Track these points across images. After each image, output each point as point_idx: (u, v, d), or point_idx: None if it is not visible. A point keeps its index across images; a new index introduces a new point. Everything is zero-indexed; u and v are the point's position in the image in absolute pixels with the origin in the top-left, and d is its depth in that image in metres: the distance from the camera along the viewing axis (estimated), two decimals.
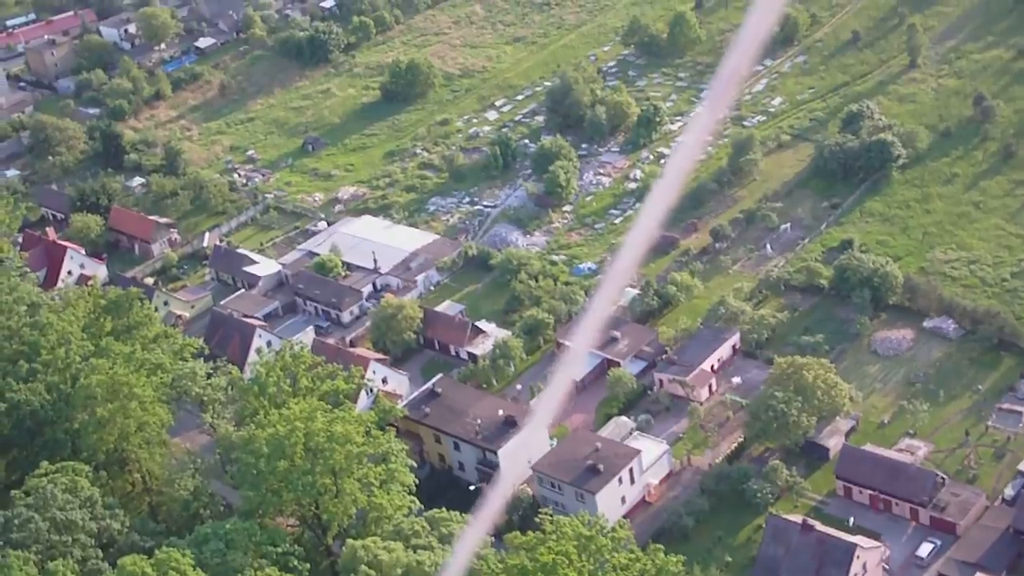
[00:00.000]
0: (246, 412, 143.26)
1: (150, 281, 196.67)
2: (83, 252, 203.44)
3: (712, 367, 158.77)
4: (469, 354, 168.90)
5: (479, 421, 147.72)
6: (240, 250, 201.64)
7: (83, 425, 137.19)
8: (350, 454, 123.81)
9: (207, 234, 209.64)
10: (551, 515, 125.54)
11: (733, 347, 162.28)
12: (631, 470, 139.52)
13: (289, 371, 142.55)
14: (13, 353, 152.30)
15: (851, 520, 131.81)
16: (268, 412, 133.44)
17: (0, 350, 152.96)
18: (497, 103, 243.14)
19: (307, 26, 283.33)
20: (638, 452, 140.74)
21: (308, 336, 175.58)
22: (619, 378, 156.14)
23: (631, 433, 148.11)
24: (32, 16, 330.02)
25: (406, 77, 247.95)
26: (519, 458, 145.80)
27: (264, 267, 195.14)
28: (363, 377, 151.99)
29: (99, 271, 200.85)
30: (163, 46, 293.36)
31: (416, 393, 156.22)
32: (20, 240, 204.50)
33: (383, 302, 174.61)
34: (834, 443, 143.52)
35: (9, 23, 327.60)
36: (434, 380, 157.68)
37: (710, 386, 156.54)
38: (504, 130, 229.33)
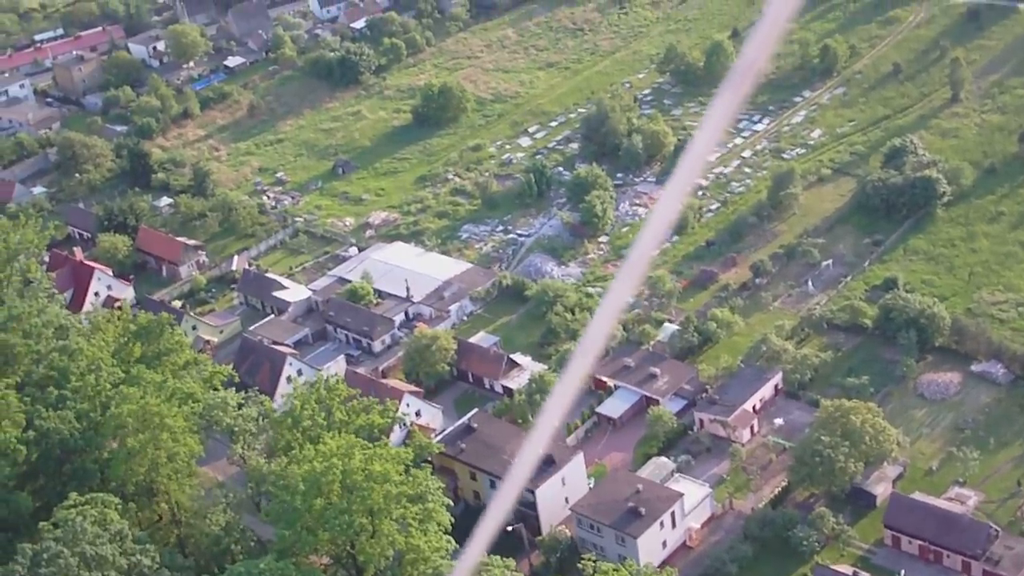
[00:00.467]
0: (278, 445, 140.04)
1: (177, 304, 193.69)
2: (110, 273, 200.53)
3: (754, 407, 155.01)
4: (504, 388, 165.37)
5: (516, 459, 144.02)
6: (269, 274, 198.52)
7: (113, 455, 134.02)
8: (388, 494, 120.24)
9: (236, 257, 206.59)
10: (594, 561, 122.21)
11: (775, 387, 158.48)
12: (673, 514, 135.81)
13: (323, 404, 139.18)
14: (42, 378, 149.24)
15: (901, 572, 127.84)
16: (303, 446, 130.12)
17: (29, 375, 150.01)
18: (530, 129, 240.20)
19: (337, 47, 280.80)
20: (680, 495, 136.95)
21: (339, 365, 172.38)
22: (659, 417, 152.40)
23: (672, 475, 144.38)
24: (60, 31, 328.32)
25: (438, 101, 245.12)
26: (557, 498, 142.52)
27: (294, 293, 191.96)
28: (397, 410, 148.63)
29: (126, 293, 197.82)
30: (191, 64, 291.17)
31: (451, 428, 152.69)
32: (47, 259, 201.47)
33: (416, 332, 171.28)
34: (881, 490, 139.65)
35: (37, 38, 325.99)
36: (470, 415, 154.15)
37: (752, 427, 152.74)
38: (538, 157, 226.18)
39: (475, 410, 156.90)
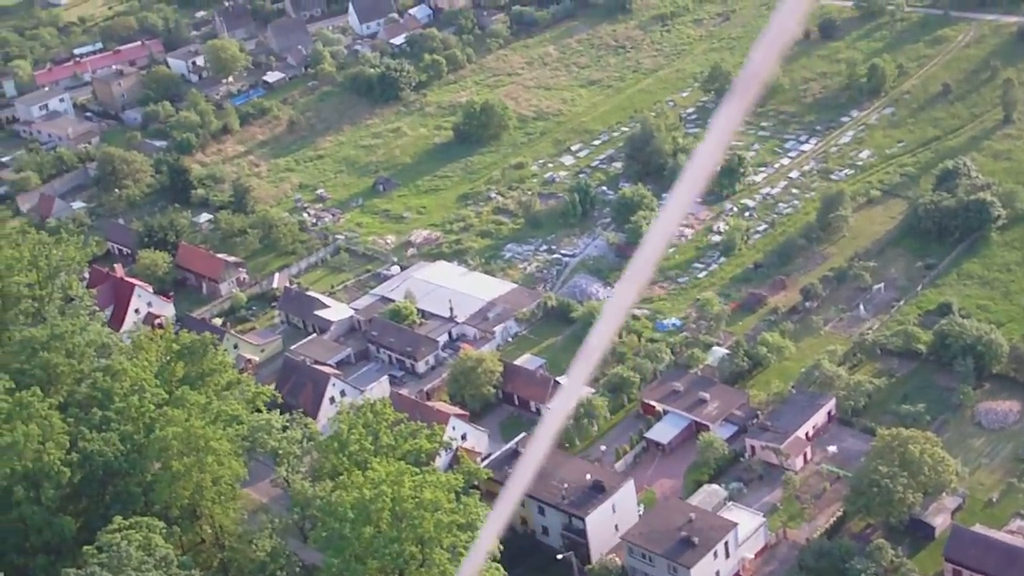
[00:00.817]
0: (324, 469, 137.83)
1: (218, 322, 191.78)
2: (150, 290, 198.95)
3: (807, 434, 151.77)
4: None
5: (566, 485, 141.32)
6: (310, 293, 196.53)
7: (157, 478, 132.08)
8: (440, 522, 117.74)
9: (277, 275, 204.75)
10: None
11: (828, 414, 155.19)
12: (727, 543, 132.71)
13: (371, 427, 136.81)
14: (85, 398, 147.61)
15: None
16: (350, 471, 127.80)
17: (71, 394, 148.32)
18: (573, 147, 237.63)
19: (377, 63, 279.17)
20: (735, 525, 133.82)
21: (383, 386, 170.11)
22: (710, 443, 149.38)
23: (724, 503, 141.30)
24: (99, 45, 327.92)
25: (480, 118, 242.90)
26: (607, 526, 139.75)
27: (336, 312, 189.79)
28: (444, 434, 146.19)
29: (166, 310, 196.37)
30: (231, 79, 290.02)
31: (499, 452, 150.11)
32: (87, 276, 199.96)
33: (462, 354, 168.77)
34: (940, 521, 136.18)
35: (77, 52, 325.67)
36: (517, 439, 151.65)
37: (805, 454, 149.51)
38: (581, 176, 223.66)
39: (522, 434, 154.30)
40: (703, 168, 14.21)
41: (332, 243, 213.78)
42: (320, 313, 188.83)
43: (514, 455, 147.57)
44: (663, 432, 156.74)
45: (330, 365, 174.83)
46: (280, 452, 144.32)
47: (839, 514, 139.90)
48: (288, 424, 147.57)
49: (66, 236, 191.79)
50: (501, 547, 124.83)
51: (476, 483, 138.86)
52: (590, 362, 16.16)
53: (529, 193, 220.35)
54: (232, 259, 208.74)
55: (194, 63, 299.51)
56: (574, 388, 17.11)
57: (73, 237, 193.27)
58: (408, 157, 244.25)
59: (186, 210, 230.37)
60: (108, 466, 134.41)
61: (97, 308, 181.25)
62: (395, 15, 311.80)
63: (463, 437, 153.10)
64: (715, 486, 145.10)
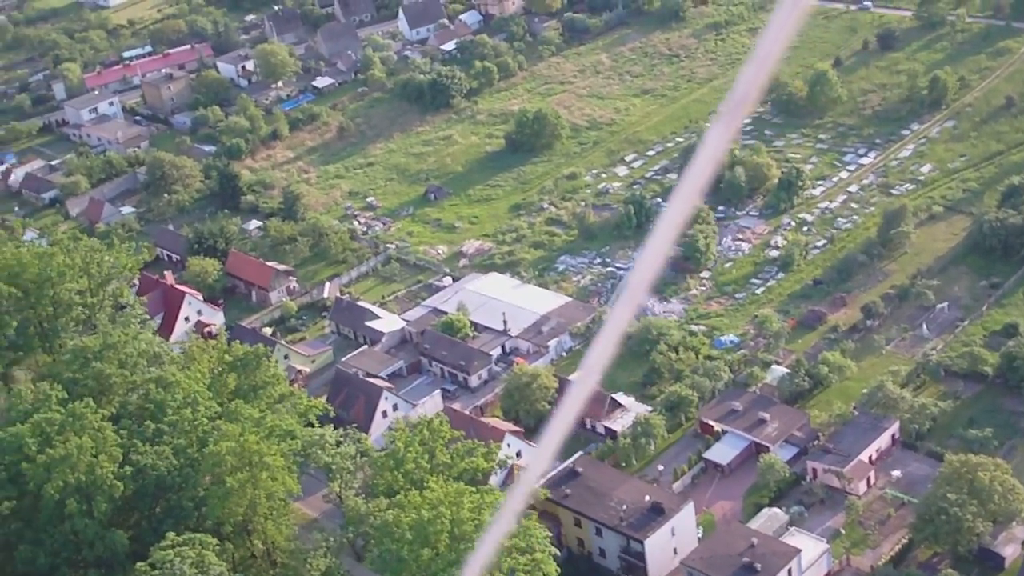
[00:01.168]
0: (379, 486, 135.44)
1: (267, 331, 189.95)
2: (200, 298, 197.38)
3: (870, 458, 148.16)
4: (606, 429, 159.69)
5: (624, 506, 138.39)
6: (361, 303, 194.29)
7: (210, 494, 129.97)
8: (500, 547, 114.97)
9: (327, 284, 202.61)
10: None
11: (892, 437, 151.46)
12: (790, 570, 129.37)
13: (427, 445, 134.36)
14: (137, 409, 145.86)
15: None
16: (407, 491, 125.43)
17: (124, 406, 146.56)
18: (627, 158, 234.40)
19: (428, 69, 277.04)
20: (798, 551, 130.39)
21: (435, 401, 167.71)
22: (771, 465, 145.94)
23: (786, 528, 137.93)
24: (148, 48, 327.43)
25: (532, 127, 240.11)
26: (666, 549, 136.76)
27: (387, 323, 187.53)
28: (500, 452, 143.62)
29: (216, 318, 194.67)
30: (280, 84, 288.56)
31: (555, 471, 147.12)
32: (136, 283, 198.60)
33: (516, 369, 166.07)
34: (1010, 552, 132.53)
35: (126, 55, 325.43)
36: (574, 458, 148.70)
37: (869, 479, 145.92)
38: (635, 187, 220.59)
39: (579, 453, 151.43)
40: (690, 192, 13.82)
41: (383, 252, 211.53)
42: (371, 324, 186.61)
43: (571, 474, 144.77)
44: (722, 453, 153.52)
45: (382, 378, 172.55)
46: (333, 467, 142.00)
47: (905, 541, 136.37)
48: (341, 439, 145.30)
49: (117, 243, 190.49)
50: (558, 569, 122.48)
51: (533, 503, 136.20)
52: (596, 369, 15.63)
53: (583, 204, 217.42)
54: (282, 267, 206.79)
55: (243, 67, 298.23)
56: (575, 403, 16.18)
57: (124, 243, 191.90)
58: (459, 166, 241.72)
59: (235, 216, 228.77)
60: (161, 480, 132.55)
61: (148, 316, 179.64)
62: (445, 21, 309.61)
63: (518, 454, 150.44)
64: (776, 510, 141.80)
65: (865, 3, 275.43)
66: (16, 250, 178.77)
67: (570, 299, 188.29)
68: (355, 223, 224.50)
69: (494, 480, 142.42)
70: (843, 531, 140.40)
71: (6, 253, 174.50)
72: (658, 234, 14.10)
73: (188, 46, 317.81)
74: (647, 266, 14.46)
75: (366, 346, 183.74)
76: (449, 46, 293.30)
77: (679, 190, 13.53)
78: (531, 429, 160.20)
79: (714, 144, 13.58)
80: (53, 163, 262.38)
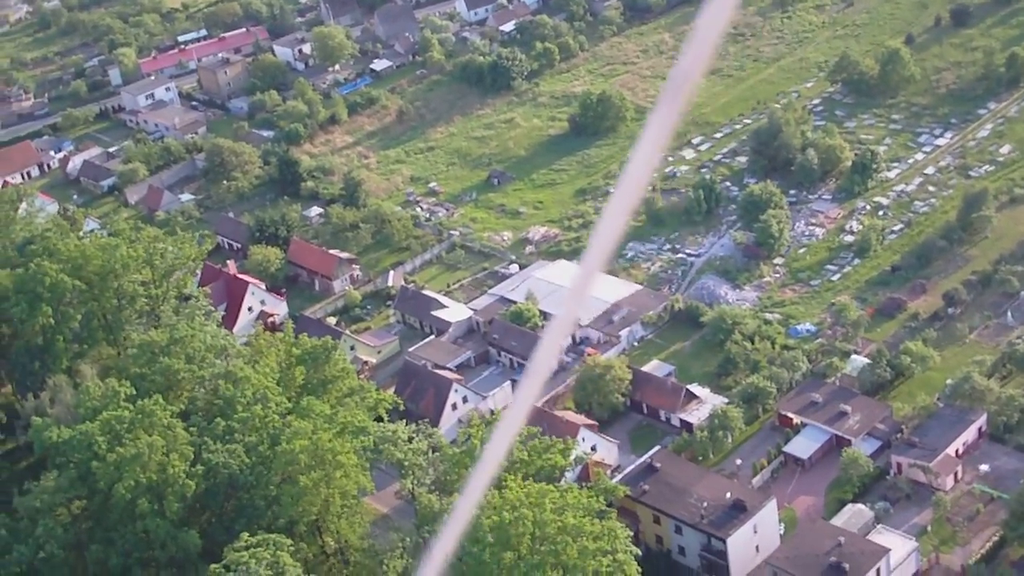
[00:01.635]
0: (454, 484, 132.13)
1: (332, 321, 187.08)
2: (263, 287, 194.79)
3: (957, 452, 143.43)
4: (682, 421, 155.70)
5: (704, 503, 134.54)
6: (426, 292, 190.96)
7: (283, 492, 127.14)
8: (584, 549, 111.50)
9: (391, 272, 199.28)
10: None
11: (979, 430, 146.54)
12: (879, 570, 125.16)
13: None
14: (206, 405, 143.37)
15: None
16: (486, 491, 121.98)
17: (193, 402, 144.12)
18: (694, 141, 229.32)
19: (488, 51, 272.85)
20: (887, 550, 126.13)
21: (505, 392, 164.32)
22: (854, 459, 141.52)
23: (872, 525, 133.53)
24: (204, 32, 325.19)
25: (597, 109, 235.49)
26: (748, 547, 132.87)
27: (454, 312, 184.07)
28: (576, 448, 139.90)
29: (279, 308, 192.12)
30: (337, 67, 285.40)
31: (632, 467, 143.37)
32: (199, 272, 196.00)
33: (589, 360, 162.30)
34: None
35: (181, 39, 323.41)
36: (652, 453, 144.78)
37: (956, 473, 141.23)
38: (703, 171, 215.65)
39: (656, 447, 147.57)
40: (639, 176, 13.56)
41: (447, 239, 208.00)
42: (437, 313, 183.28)
43: (649, 469, 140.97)
44: (802, 446, 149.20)
45: (450, 369, 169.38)
46: (406, 464, 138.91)
47: (996, 539, 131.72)
48: (414, 434, 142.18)
49: (181, 233, 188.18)
50: (638, 568, 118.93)
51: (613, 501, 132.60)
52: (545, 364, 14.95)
53: (650, 189, 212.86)
54: (345, 255, 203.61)
55: (300, 51, 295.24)
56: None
57: (187, 234, 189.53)
58: (522, 149, 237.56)
59: (295, 203, 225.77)
60: (233, 479, 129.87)
61: (212, 307, 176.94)
62: (504, 1, 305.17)
63: (593, 448, 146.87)
64: (860, 506, 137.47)
65: None
66: (79, 242, 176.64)
67: (640, 287, 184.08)
68: (417, 209, 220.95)
69: (569, 476, 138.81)
70: (930, 528, 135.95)
71: (69, 245, 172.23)
72: (604, 222, 13.64)
73: (243, 29, 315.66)
74: (598, 250, 14.07)
75: (432, 336, 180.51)
76: (508, 27, 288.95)
77: (625, 177, 13.08)
78: (605, 422, 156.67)
79: (659, 124, 13.10)
80: (111, 150, 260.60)
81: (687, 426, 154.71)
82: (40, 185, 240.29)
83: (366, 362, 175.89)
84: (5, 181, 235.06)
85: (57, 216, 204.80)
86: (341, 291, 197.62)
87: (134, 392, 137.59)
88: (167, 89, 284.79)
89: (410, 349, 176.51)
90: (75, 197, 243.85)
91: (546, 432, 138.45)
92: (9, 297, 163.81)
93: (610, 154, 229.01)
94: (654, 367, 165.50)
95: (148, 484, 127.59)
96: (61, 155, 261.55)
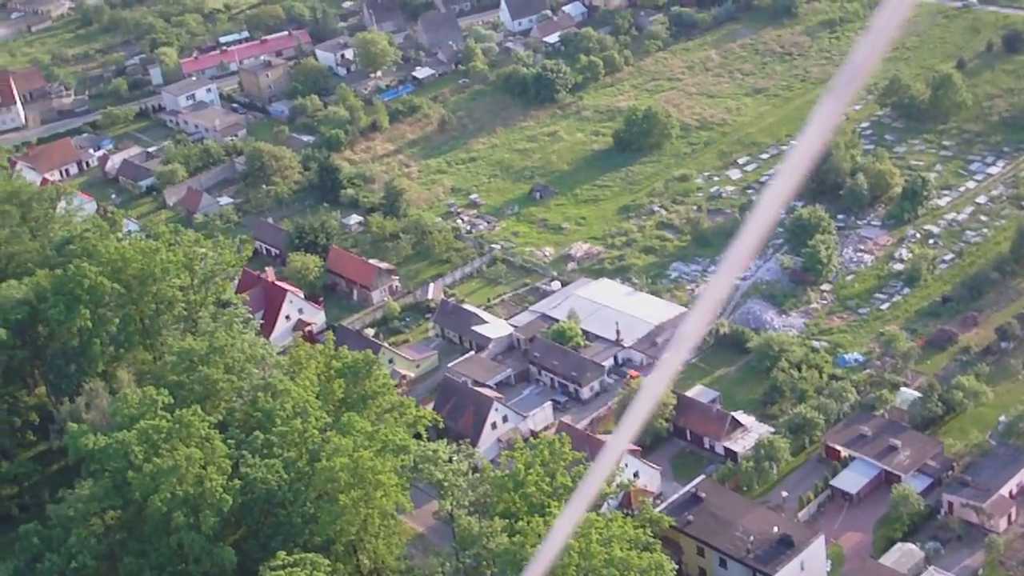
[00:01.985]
0: (496, 507, 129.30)
1: (370, 332, 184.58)
2: (301, 295, 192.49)
3: (1011, 493, 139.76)
4: (726, 450, 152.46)
5: (751, 537, 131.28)
6: (466, 306, 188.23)
7: (322, 511, 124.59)
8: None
9: (431, 285, 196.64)
10: None
11: None
12: None
13: (547, 467, 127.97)
14: (244, 417, 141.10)
15: None
16: (527, 516, 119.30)
17: (231, 413, 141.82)
18: (739, 160, 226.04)
19: (531, 62, 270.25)
20: None
21: (545, 413, 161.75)
22: (904, 497, 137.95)
23: (925, 567, 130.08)
24: (245, 34, 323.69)
25: (642, 125, 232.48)
26: None
27: (494, 328, 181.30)
28: (620, 475, 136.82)
29: (317, 317, 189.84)
30: (379, 74, 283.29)
31: (676, 496, 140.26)
32: (237, 278, 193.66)
33: (633, 382, 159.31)
34: None
35: (222, 40, 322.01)
36: (696, 482, 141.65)
37: (1010, 515, 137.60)
38: (749, 192, 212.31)
39: (701, 476, 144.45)
40: (795, 171, 12.86)
41: (488, 253, 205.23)
42: (478, 329, 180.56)
43: (693, 499, 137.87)
44: (850, 480, 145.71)
45: (490, 386, 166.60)
46: (446, 484, 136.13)
47: None
48: (454, 454, 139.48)
49: (220, 238, 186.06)
50: None
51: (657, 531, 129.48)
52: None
53: (695, 208, 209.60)
54: (384, 265, 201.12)
55: (343, 56, 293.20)
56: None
57: (227, 239, 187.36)
58: (565, 163, 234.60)
59: (334, 210, 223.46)
60: (270, 495, 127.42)
61: (250, 315, 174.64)
62: (548, 12, 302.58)
63: (635, 475, 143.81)
64: (910, 545, 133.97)
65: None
66: (119, 244, 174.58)
67: (685, 309, 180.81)
68: (458, 221, 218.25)
69: (611, 504, 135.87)
70: (982, 572, 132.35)
71: (109, 247, 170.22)
72: (758, 214, 13.33)
73: (285, 32, 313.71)
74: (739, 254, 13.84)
75: (472, 352, 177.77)
76: (552, 38, 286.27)
77: (783, 168, 12.91)
78: (646, 447, 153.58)
79: (824, 120, 12.88)
80: (150, 150, 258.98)
81: (731, 455, 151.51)
82: (79, 183, 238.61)
83: (404, 376, 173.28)
84: (44, 178, 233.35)
85: (97, 216, 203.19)
86: (379, 302, 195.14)
87: (171, 401, 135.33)
88: (208, 90, 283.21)
89: (449, 364, 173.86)
90: (113, 196, 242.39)
91: (590, 456, 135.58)
92: (47, 298, 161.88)
93: (654, 171, 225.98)
94: (698, 392, 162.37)
95: (184, 497, 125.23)
96: (100, 153, 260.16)
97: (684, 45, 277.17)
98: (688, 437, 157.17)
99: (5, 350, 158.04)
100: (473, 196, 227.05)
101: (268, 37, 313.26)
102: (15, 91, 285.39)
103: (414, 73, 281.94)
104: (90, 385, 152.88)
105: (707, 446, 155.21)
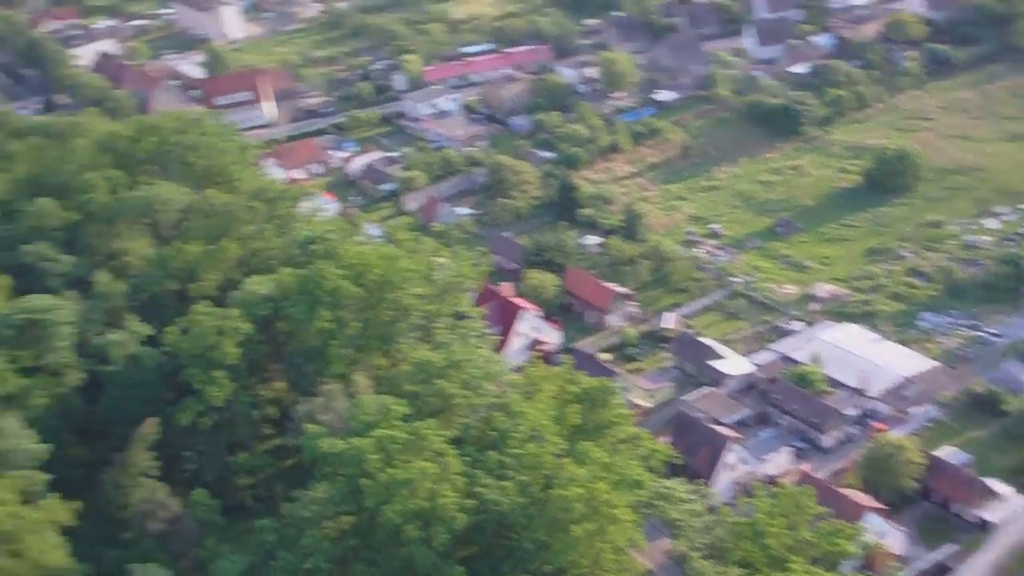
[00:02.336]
0: (733, 554, 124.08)
1: (605, 357, 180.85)
2: (539, 314, 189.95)
3: None
4: (978, 519, 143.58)
5: None
6: (704, 339, 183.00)
7: (555, 540, 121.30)
8: None
9: (668, 314, 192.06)
10: None
11: None
12: None
13: (789, 518, 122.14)
14: (479, 435, 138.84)
15: None
16: (767, 570, 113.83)
17: (466, 430, 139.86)
18: (997, 210, 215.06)
19: (778, 92, 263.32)
20: None
21: (784, 459, 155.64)
22: None
23: None
24: (488, 46, 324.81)
25: (893, 165, 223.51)
26: None
27: (732, 364, 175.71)
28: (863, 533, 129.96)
29: (552, 337, 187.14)
30: (621, 94, 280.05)
31: (921, 563, 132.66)
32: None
33: (880, 437, 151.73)
34: None
35: (464, 50, 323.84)
36: (943, 550, 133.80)
37: None
38: (1008, 244, 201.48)
39: (948, 545, 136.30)
40: None
41: (728, 286, 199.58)
42: (715, 364, 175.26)
43: (941, 570, 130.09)
44: None
45: (728, 426, 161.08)
46: (680, 524, 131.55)
47: None
48: (692, 494, 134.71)
49: (459, 249, 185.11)
50: None
51: None
52: None
53: (948, 257, 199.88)
54: (622, 290, 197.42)
55: (585, 74, 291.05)
56: None
57: (467, 251, 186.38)
58: (810, 199, 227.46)
59: (572, 229, 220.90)
60: (503, 517, 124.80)
61: (487, 330, 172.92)
62: (796, 41, 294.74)
63: (881, 536, 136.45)
64: None
65: None
66: (361, 248, 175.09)
67: (936, 363, 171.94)
68: (697, 250, 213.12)
69: (852, 565, 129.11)
70: None
71: (351, 250, 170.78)
72: None
73: (528, 47, 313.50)
74: None
75: (707, 387, 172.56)
76: (798, 68, 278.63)
77: None
78: (892, 507, 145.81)
79: None
80: (393, 155, 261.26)
81: (983, 524, 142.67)
82: (323, 184, 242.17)
83: (638, 405, 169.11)
84: (291, 176, 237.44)
85: (340, 218, 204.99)
86: (615, 327, 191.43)
87: (409, 412, 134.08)
88: (452, 100, 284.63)
89: (683, 398, 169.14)
90: (351, 198, 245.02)
91: (832, 512, 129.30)
92: (289, 296, 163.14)
93: (904, 215, 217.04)
94: (948, 454, 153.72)
95: (417, 510, 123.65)
96: (345, 155, 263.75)
97: (939, 84, 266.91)
98: (935, 500, 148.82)
99: (251, 344, 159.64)
100: (713, 226, 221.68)
101: (511, 50, 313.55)
102: (264, 90, 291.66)
103: (654, 96, 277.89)
104: (328, 387, 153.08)
105: (955, 512, 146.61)
